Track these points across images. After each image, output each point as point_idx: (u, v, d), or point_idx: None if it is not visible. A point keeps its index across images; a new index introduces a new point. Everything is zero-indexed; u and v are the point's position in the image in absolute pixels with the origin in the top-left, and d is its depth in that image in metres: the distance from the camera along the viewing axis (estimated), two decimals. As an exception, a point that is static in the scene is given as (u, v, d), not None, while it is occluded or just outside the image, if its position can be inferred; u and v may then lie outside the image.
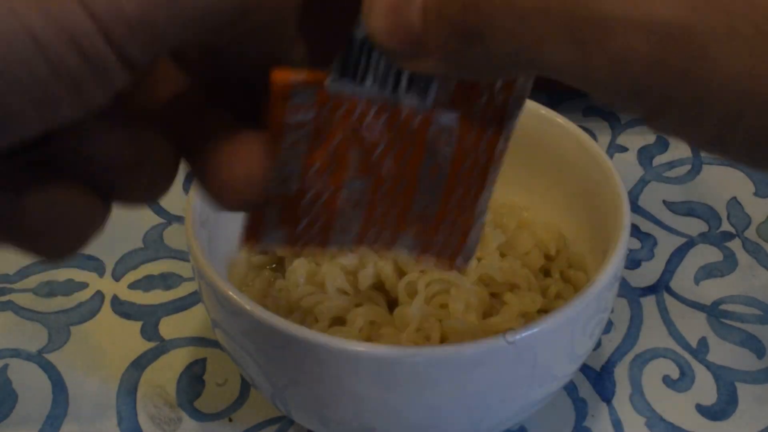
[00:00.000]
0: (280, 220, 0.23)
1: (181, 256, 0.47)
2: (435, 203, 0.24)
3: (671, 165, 0.53)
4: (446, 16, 0.18)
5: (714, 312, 0.44)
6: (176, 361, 0.42)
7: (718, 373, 0.41)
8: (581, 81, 0.18)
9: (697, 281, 0.46)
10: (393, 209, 0.24)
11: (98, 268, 0.47)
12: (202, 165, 0.21)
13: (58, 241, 0.19)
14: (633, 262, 0.47)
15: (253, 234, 0.23)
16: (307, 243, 0.24)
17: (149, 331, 0.43)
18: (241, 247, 0.24)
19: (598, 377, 0.41)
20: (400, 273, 0.36)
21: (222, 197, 0.21)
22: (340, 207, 0.23)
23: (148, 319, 0.44)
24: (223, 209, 0.22)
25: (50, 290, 0.45)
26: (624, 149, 0.54)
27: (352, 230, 0.24)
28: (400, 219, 0.24)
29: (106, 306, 0.45)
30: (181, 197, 0.51)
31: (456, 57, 0.19)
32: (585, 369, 0.41)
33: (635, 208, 0.50)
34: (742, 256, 0.47)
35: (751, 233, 0.48)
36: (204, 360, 0.42)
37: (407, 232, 0.24)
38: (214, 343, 0.42)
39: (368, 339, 0.35)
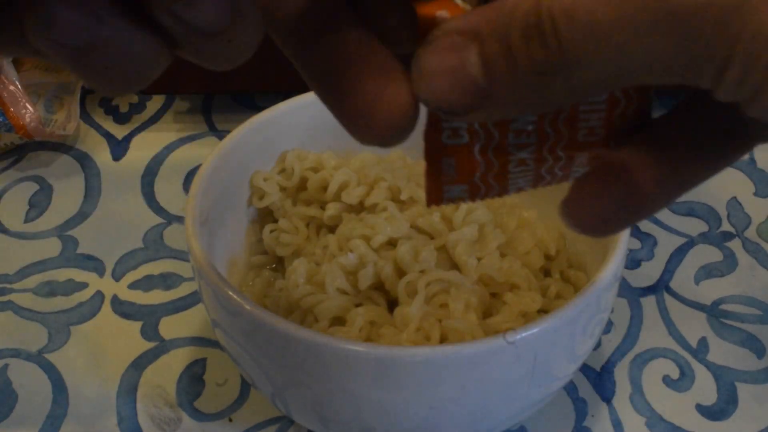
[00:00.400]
0: (457, 173, 0.23)
1: (181, 256, 0.47)
2: (599, 125, 0.23)
3: (671, 165, 0.53)
4: (518, 60, 0.18)
5: (714, 312, 0.44)
6: (176, 361, 0.42)
7: (718, 373, 0.41)
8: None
9: (697, 281, 0.46)
10: (560, 140, 0.23)
11: (98, 268, 0.47)
12: (340, 87, 0.21)
13: (123, 76, 0.19)
14: (633, 262, 0.47)
15: (434, 193, 0.24)
16: (487, 193, 0.24)
17: (149, 331, 0.43)
18: (428, 206, 0.24)
19: (598, 377, 0.41)
20: (400, 273, 0.36)
21: (364, 131, 0.21)
22: (510, 149, 0.23)
23: (148, 319, 0.44)
24: (361, 141, 0.21)
25: (50, 290, 0.46)
26: (624, 149, 0.54)
27: (528, 171, 0.24)
28: (569, 148, 0.24)
29: (106, 306, 0.45)
30: (181, 197, 0.51)
31: (529, 98, 0.19)
32: (585, 369, 0.41)
33: (635, 208, 0.50)
34: (742, 256, 0.47)
35: (751, 233, 0.48)
36: (204, 360, 0.42)
37: (577, 160, 0.24)
38: (214, 343, 0.42)
39: (368, 339, 0.35)
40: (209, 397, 0.40)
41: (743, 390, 0.40)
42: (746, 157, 0.54)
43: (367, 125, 0.20)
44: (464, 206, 0.38)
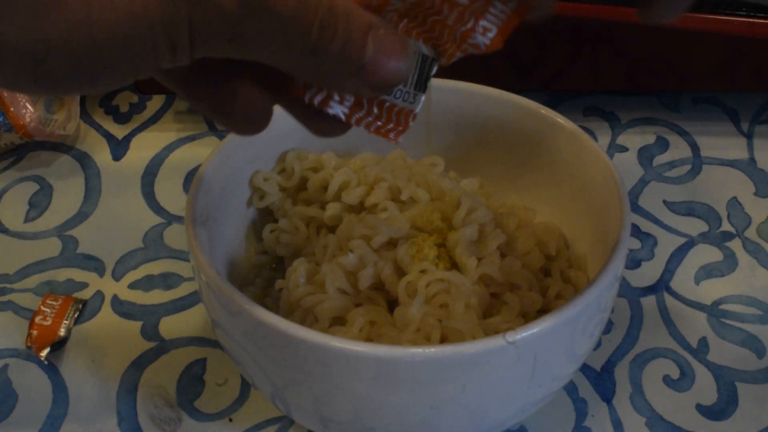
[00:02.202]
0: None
1: (181, 256, 0.47)
2: None
3: (671, 165, 0.53)
4: None
5: (714, 312, 0.44)
6: (176, 361, 0.42)
7: (718, 373, 0.41)
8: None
9: (697, 281, 0.46)
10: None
11: (98, 268, 0.47)
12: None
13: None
14: (633, 262, 0.47)
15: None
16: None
17: (149, 331, 0.43)
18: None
19: (598, 377, 0.41)
20: (400, 273, 0.36)
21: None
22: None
23: (148, 319, 0.44)
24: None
25: (50, 290, 0.45)
26: (624, 149, 0.54)
27: None
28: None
29: (106, 306, 0.45)
30: (181, 197, 0.51)
31: None
32: (585, 369, 0.41)
33: (635, 208, 0.50)
34: (742, 256, 0.47)
35: (751, 233, 0.48)
36: (204, 360, 0.42)
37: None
38: (214, 343, 0.42)
39: (368, 339, 0.35)
40: (209, 397, 0.40)
41: (743, 390, 0.40)
42: (746, 156, 0.54)
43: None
44: (465, 206, 0.38)
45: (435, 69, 0.28)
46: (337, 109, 0.28)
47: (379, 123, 0.28)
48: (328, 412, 0.33)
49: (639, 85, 0.54)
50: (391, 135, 0.29)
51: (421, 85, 0.28)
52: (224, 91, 0.27)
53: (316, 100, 0.27)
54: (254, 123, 0.28)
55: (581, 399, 0.40)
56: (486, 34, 0.27)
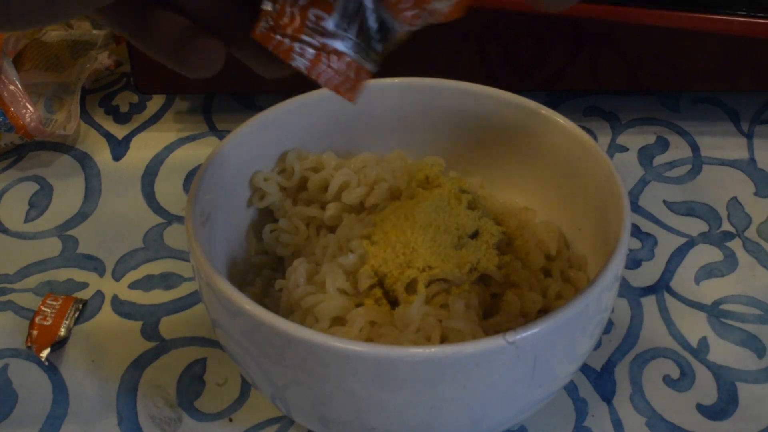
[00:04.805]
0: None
1: (181, 256, 0.47)
2: None
3: (671, 165, 0.53)
4: None
5: (714, 312, 0.44)
6: (176, 361, 0.42)
7: (719, 372, 0.41)
8: None
9: (697, 281, 0.46)
10: None
11: (98, 268, 0.47)
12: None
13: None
14: (633, 262, 0.47)
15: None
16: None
17: (149, 331, 0.43)
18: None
19: (599, 377, 0.41)
20: (401, 273, 0.36)
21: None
22: None
23: (148, 319, 0.44)
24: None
25: (50, 290, 0.46)
26: (624, 149, 0.54)
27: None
28: None
29: (106, 306, 0.45)
30: (181, 197, 0.51)
31: None
32: (585, 369, 0.41)
33: (635, 208, 0.50)
34: (743, 256, 0.47)
35: (751, 233, 0.48)
36: (204, 360, 0.42)
37: None
38: (214, 343, 0.42)
39: (368, 339, 0.35)
40: (209, 397, 0.40)
41: (743, 390, 0.40)
42: (746, 156, 0.54)
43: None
44: (464, 205, 0.38)
45: (376, 18, 0.28)
46: (299, 62, 0.28)
47: (337, 79, 0.29)
48: (328, 412, 0.33)
49: (639, 85, 0.54)
50: (348, 93, 0.29)
51: (365, 36, 0.28)
52: (175, 34, 0.28)
53: (280, 50, 0.28)
54: (203, 67, 0.29)
55: (581, 399, 0.40)
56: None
